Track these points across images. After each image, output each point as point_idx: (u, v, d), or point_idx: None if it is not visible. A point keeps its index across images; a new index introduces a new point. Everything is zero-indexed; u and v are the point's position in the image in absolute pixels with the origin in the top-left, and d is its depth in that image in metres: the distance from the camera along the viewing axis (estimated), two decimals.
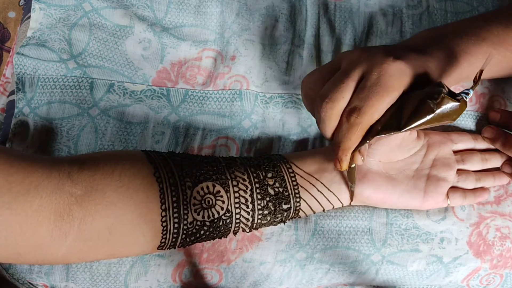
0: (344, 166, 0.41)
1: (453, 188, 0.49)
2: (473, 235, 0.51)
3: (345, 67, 0.40)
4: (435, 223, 0.50)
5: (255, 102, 0.50)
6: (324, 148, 0.48)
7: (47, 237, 0.35)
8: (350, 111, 0.38)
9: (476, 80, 0.38)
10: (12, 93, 0.48)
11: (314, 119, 0.51)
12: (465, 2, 0.57)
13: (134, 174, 0.38)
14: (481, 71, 0.38)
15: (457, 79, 0.45)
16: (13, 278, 0.45)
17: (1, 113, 0.49)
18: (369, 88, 0.38)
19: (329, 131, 0.41)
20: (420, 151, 0.48)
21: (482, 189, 0.50)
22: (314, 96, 0.41)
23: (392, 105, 0.39)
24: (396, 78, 0.38)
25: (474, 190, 0.50)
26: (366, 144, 0.40)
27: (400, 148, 0.46)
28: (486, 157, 0.50)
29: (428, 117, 0.37)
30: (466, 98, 0.37)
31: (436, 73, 0.41)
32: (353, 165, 0.42)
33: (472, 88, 0.38)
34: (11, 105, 0.48)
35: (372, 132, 0.39)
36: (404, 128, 0.37)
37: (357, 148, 0.40)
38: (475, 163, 0.50)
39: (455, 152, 0.50)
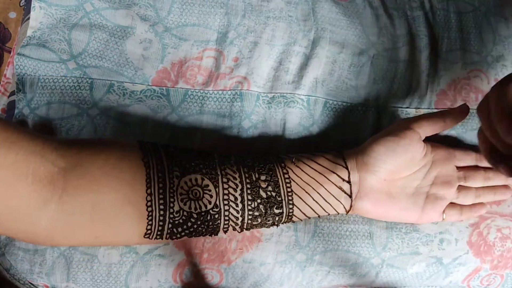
0: None
1: (451, 204, 0.48)
2: (474, 235, 0.51)
3: None
4: (433, 224, 0.50)
5: (256, 102, 0.50)
6: (329, 154, 0.46)
7: (25, 198, 0.35)
8: None
9: None
10: (12, 93, 0.48)
11: (316, 119, 0.51)
12: (467, 2, 0.57)
13: (122, 157, 0.39)
14: None
15: None
16: (14, 278, 0.45)
17: (2, 113, 0.49)
18: None
19: None
20: (423, 168, 0.47)
21: (480, 204, 0.49)
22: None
23: None
24: None
25: (472, 205, 0.49)
26: None
27: (407, 165, 0.46)
28: (489, 176, 0.49)
29: None
30: None
31: None
32: None
33: None
34: (11, 105, 0.48)
35: None
36: None
37: None
38: (477, 181, 0.49)
39: (459, 168, 0.49)
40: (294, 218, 0.44)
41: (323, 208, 0.44)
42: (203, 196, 0.40)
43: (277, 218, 0.43)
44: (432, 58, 0.54)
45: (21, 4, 0.59)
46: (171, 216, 0.39)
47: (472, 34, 0.56)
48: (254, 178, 0.42)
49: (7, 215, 0.35)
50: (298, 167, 0.44)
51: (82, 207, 0.37)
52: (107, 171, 0.37)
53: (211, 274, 0.47)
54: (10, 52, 0.56)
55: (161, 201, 0.39)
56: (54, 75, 0.47)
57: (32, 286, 0.45)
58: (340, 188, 0.44)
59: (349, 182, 0.44)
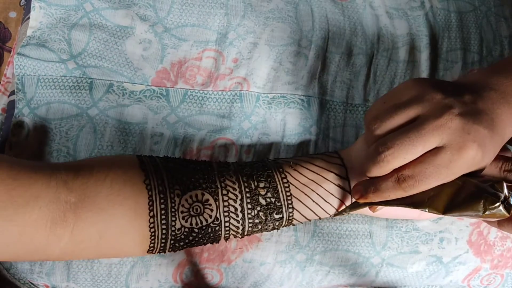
0: (363, 201, 0.40)
1: None
2: (474, 234, 0.51)
3: (424, 126, 0.37)
4: (433, 223, 0.50)
5: (256, 103, 0.50)
6: (325, 154, 0.46)
7: (43, 242, 0.37)
8: (405, 178, 0.37)
9: None
10: (12, 93, 0.48)
11: (316, 119, 0.51)
12: (467, 1, 0.57)
13: (125, 181, 0.40)
14: None
15: None
16: (14, 278, 0.45)
17: (2, 113, 0.49)
18: (437, 167, 0.36)
19: (375, 173, 0.39)
20: None
21: None
22: (376, 126, 0.39)
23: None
24: (466, 168, 0.37)
25: None
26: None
27: None
28: None
29: (474, 214, 0.36)
30: None
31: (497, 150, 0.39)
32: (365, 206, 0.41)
33: None
34: (11, 105, 0.48)
35: (415, 203, 0.38)
36: (447, 213, 0.36)
37: (390, 205, 0.39)
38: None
39: None
40: (294, 222, 0.44)
41: (323, 209, 0.44)
42: (204, 211, 0.41)
43: (277, 223, 0.43)
44: (432, 58, 0.54)
45: (21, 4, 0.58)
46: (173, 233, 0.40)
47: (472, 34, 0.56)
48: (253, 186, 0.43)
49: (26, 255, 0.38)
50: (296, 170, 0.44)
51: (90, 237, 0.39)
52: (112, 199, 0.39)
53: (211, 274, 0.47)
54: (10, 52, 0.55)
55: (163, 221, 0.40)
56: (53, 75, 0.47)
57: (33, 286, 0.45)
58: (339, 186, 0.44)
59: (347, 178, 0.44)
